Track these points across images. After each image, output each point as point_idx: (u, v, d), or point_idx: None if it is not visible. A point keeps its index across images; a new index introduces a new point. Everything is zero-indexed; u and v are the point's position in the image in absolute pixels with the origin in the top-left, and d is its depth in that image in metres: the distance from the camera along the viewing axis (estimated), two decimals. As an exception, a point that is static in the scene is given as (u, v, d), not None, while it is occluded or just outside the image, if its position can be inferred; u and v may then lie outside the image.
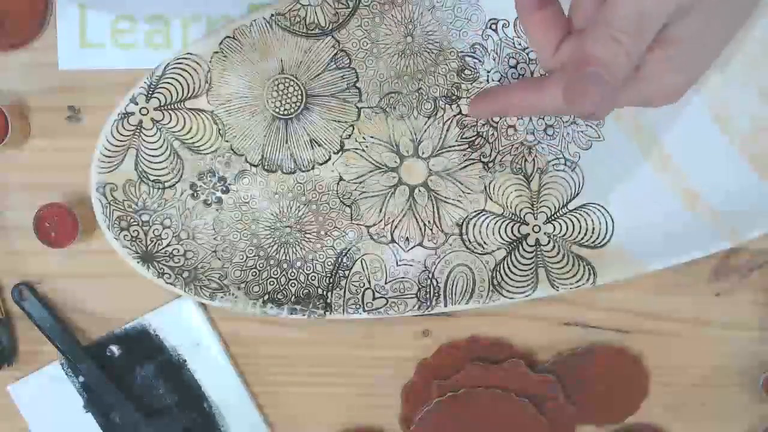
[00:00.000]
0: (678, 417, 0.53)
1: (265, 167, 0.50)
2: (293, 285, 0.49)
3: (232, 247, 0.49)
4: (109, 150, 0.48)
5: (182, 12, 0.50)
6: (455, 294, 0.49)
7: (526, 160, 0.50)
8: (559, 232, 0.50)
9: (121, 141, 0.48)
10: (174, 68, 0.48)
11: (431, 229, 0.50)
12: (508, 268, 0.49)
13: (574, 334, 0.52)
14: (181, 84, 0.48)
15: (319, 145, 0.50)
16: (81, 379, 0.51)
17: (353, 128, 0.50)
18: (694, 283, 0.51)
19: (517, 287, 0.49)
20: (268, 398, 0.52)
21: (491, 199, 0.50)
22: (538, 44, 0.40)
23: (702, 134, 0.49)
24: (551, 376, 0.50)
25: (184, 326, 0.51)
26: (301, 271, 0.49)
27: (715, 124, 0.49)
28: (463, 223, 0.50)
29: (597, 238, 0.50)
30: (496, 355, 0.51)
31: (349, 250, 0.50)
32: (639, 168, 0.50)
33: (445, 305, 0.49)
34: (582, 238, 0.50)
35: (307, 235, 0.50)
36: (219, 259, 0.49)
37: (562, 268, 0.49)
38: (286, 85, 0.49)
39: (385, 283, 0.49)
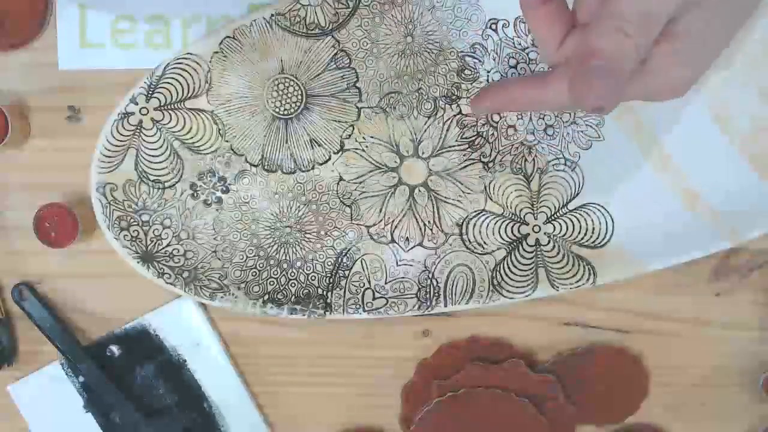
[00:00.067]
0: (678, 417, 0.53)
1: (265, 167, 0.50)
2: (293, 285, 0.49)
3: (232, 247, 0.49)
4: (109, 150, 0.48)
5: (182, 12, 0.50)
6: (455, 294, 0.49)
7: (526, 160, 0.50)
8: (559, 232, 0.50)
9: (121, 141, 0.48)
10: (174, 68, 0.48)
11: (431, 229, 0.50)
12: (508, 268, 0.49)
13: (574, 334, 0.52)
14: (181, 84, 0.48)
15: (319, 145, 0.50)
16: (81, 379, 0.51)
17: (353, 128, 0.50)
18: (694, 283, 0.51)
19: (517, 287, 0.49)
20: (268, 398, 0.52)
21: (491, 199, 0.50)
22: (542, 39, 0.40)
23: (702, 134, 0.49)
24: (551, 376, 0.50)
25: (184, 326, 0.51)
26: (301, 271, 0.49)
27: (715, 124, 0.49)
28: (463, 223, 0.50)
29: (597, 238, 0.50)
30: (496, 355, 0.51)
31: (349, 250, 0.50)
32: (639, 168, 0.50)
33: (445, 305, 0.49)
34: (582, 238, 0.50)
35: (307, 235, 0.50)
36: (219, 259, 0.49)
37: (562, 268, 0.49)
38: (286, 85, 0.49)
39: (385, 283, 0.49)
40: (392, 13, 0.49)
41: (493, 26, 0.49)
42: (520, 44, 0.49)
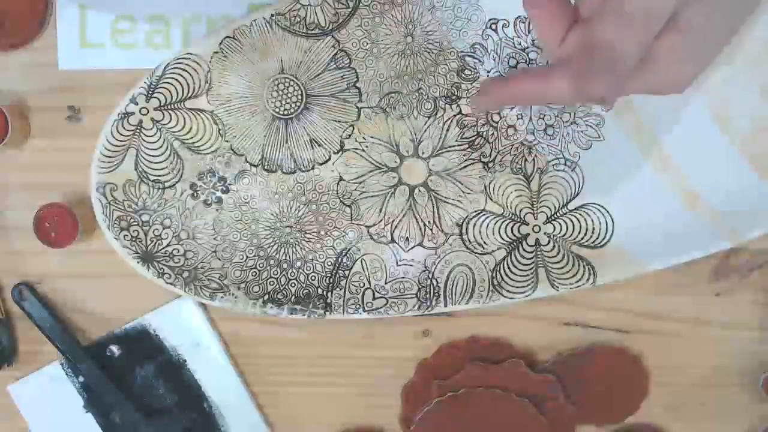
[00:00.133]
0: (678, 417, 0.53)
1: (265, 167, 0.50)
2: (293, 285, 0.49)
3: (232, 247, 0.49)
4: (109, 150, 0.48)
5: (182, 12, 0.50)
6: (455, 294, 0.49)
7: (526, 160, 0.50)
8: (559, 232, 0.50)
9: (121, 141, 0.48)
10: (174, 68, 0.48)
11: (431, 229, 0.50)
12: (508, 268, 0.49)
13: (574, 334, 0.52)
14: (181, 84, 0.48)
15: (319, 145, 0.50)
16: (81, 379, 0.51)
17: (353, 128, 0.50)
18: (694, 283, 0.51)
19: (517, 287, 0.49)
20: (268, 398, 0.52)
21: (491, 199, 0.50)
22: (544, 34, 0.40)
23: (702, 134, 0.49)
24: (551, 376, 0.50)
25: (184, 326, 0.51)
26: (301, 271, 0.49)
27: (715, 124, 0.49)
28: (463, 223, 0.50)
29: (597, 238, 0.49)
30: (496, 355, 0.51)
31: (349, 250, 0.50)
32: (639, 168, 0.49)
33: (445, 305, 0.49)
34: (582, 238, 0.50)
35: (307, 235, 0.50)
36: (219, 259, 0.49)
37: (562, 268, 0.49)
38: (286, 85, 0.49)
39: (385, 283, 0.49)
40: (392, 13, 0.49)
41: (493, 26, 0.49)
42: (520, 44, 0.49)
